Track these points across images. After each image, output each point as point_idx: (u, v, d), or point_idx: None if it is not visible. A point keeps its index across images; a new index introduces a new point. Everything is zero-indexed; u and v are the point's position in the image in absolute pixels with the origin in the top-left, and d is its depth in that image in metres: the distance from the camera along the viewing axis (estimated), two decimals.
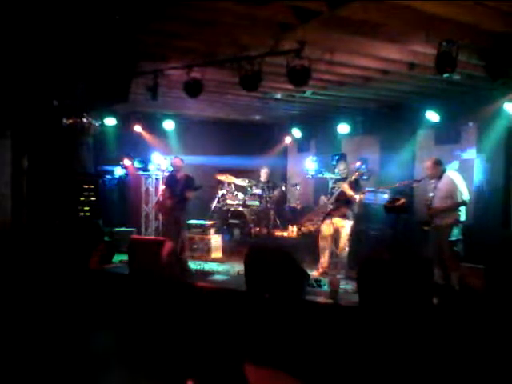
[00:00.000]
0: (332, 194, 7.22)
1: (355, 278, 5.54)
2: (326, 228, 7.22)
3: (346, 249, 7.08)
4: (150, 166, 9.84)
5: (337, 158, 8.71)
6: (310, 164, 9.35)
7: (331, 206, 7.17)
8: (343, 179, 7.20)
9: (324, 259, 7.22)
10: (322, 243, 7.28)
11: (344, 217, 7.10)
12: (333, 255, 7.17)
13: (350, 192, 7.00)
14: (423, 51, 5.10)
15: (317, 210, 7.52)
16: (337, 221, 7.12)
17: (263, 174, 9.80)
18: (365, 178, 8.27)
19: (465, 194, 6.05)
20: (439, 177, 6.19)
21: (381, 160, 9.17)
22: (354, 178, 7.06)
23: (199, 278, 7.10)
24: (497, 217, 7.29)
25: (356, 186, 7.10)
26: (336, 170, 7.43)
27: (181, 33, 4.99)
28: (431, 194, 6.22)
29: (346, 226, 7.09)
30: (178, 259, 7.49)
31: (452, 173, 6.23)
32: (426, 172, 6.38)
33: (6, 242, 7.48)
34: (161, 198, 9.22)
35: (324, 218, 7.28)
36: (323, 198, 7.38)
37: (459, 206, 6.05)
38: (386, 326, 4.78)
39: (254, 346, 5.19)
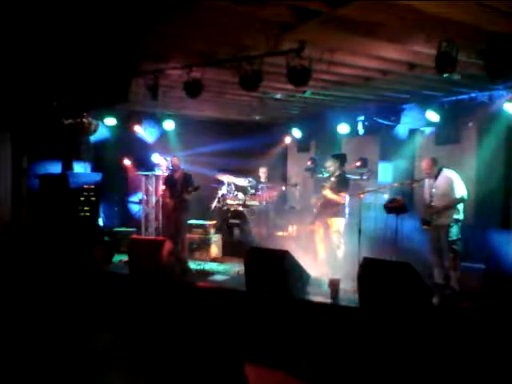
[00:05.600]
0: (321, 191, 7.25)
1: (355, 277, 5.56)
2: (318, 228, 7.25)
3: (342, 246, 7.08)
4: (150, 166, 9.84)
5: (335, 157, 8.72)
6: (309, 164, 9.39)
7: (320, 208, 7.22)
8: (330, 177, 7.23)
9: (322, 259, 7.23)
10: (317, 243, 7.30)
11: (334, 215, 7.11)
12: (329, 254, 7.17)
13: (332, 196, 7.04)
14: (423, 51, 5.10)
15: (311, 210, 7.55)
16: (328, 220, 7.14)
17: (262, 173, 9.81)
18: (365, 178, 8.27)
19: (462, 190, 6.08)
20: (436, 175, 6.23)
21: (381, 160, 9.16)
22: (333, 178, 7.07)
23: (199, 277, 7.10)
24: (497, 217, 7.29)
25: (339, 185, 7.11)
26: (326, 168, 7.45)
27: (181, 33, 4.99)
28: (433, 190, 6.23)
29: (337, 224, 7.10)
30: (178, 259, 7.50)
31: (448, 171, 6.25)
32: (423, 171, 6.42)
33: (5, 242, 7.49)
34: (160, 199, 9.24)
35: (315, 218, 7.31)
36: (314, 198, 7.42)
37: (458, 202, 6.08)
38: (386, 326, 4.78)
39: (254, 346, 5.19)
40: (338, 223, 7.10)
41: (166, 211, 8.26)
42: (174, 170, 8.20)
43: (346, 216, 7.22)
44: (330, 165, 7.35)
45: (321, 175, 7.92)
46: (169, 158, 9.45)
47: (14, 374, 4.48)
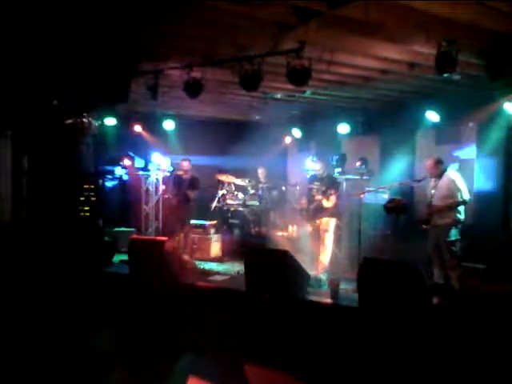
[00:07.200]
0: (311, 195, 7.23)
1: (355, 278, 5.56)
2: (311, 229, 7.27)
3: (330, 247, 7.10)
4: (150, 166, 9.84)
5: (336, 157, 8.71)
6: (309, 164, 9.36)
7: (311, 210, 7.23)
8: (320, 179, 7.22)
9: (321, 259, 7.24)
10: (313, 244, 7.32)
11: (325, 215, 7.12)
12: (325, 254, 7.19)
13: (328, 205, 7.03)
14: (423, 51, 5.10)
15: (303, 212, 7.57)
16: (319, 220, 7.15)
17: (260, 173, 9.81)
18: (365, 178, 8.26)
19: (465, 193, 6.06)
20: (439, 176, 6.21)
21: (381, 160, 9.15)
22: (331, 197, 7.04)
23: (199, 277, 7.09)
24: (496, 218, 7.28)
25: (328, 187, 7.12)
26: (316, 171, 7.44)
27: (181, 33, 5.00)
28: (432, 191, 6.23)
29: (329, 225, 7.11)
30: (180, 259, 7.50)
31: (452, 172, 6.24)
32: (426, 171, 6.39)
33: (5, 242, 7.49)
34: (163, 196, 9.26)
35: (309, 220, 7.33)
36: (303, 200, 7.41)
37: (459, 205, 6.06)
38: (386, 326, 4.78)
39: (254, 346, 5.19)
40: (330, 223, 7.10)
41: (169, 208, 8.30)
42: (183, 171, 8.28)
43: (338, 216, 7.27)
44: (320, 167, 7.32)
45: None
46: (169, 158, 9.48)
47: (14, 373, 4.48)
